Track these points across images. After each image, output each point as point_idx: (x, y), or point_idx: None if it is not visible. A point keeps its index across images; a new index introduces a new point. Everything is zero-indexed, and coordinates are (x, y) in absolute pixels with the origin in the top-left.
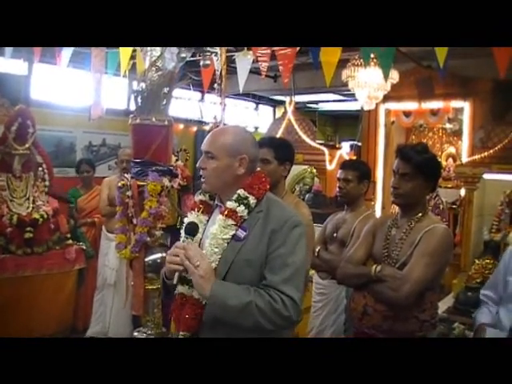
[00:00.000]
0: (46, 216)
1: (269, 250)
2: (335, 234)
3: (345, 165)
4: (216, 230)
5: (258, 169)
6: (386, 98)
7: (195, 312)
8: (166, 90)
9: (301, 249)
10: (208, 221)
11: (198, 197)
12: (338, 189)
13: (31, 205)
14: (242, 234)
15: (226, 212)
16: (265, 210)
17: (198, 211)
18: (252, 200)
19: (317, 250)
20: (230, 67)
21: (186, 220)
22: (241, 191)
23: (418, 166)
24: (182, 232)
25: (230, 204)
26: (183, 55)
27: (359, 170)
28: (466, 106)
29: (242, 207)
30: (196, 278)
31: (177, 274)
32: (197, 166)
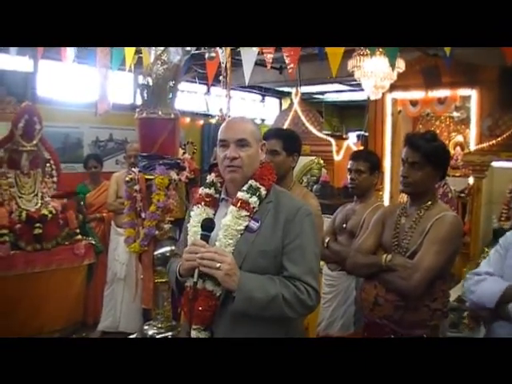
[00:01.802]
0: (54, 212)
1: (285, 240)
2: (344, 225)
3: (355, 156)
4: (230, 222)
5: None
6: (393, 88)
7: (209, 304)
8: (171, 83)
9: (315, 237)
10: (214, 214)
11: (204, 190)
12: (349, 180)
13: (40, 201)
14: (254, 225)
15: (239, 203)
16: (274, 200)
17: (204, 205)
18: (263, 191)
19: (326, 241)
20: (236, 59)
21: (192, 214)
22: (252, 182)
23: (427, 154)
24: (192, 228)
25: (242, 195)
26: (188, 48)
27: (371, 160)
28: (473, 93)
29: (254, 198)
30: (220, 276)
31: (196, 271)
32: (228, 155)
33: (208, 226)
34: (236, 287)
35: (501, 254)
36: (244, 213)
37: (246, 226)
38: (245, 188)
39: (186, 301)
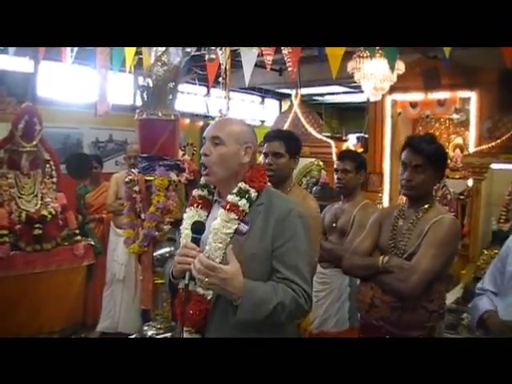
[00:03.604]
0: (54, 212)
1: (276, 242)
2: (334, 225)
3: (342, 156)
4: (218, 225)
5: (258, 161)
6: (392, 89)
7: (200, 308)
8: (171, 84)
9: (307, 240)
10: (207, 216)
11: (197, 192)
12: (336, 180)
13: (39, 201)
14: (244, 228)
15: (227, 206)
16: (266, 202)
17: (197, 207)
18: (253, 193)
19: None
20: (236, 61)
21: (185, 216)
22: (242, 184)
23: (429, 156)
24: (184, 230)
25: (232, 198)
26: (188, 49)
27: (357, 160)
28: (472, 95)
29: (243, 201)
30: (218, 281)
31: (188, 273)
32: (201, 151)
33: (198, 228)
34: (237, 297)
35: (496, 262)
36: (233, 216)
37: (236, 229)
38: (234, 191)
39: (178, 303)
